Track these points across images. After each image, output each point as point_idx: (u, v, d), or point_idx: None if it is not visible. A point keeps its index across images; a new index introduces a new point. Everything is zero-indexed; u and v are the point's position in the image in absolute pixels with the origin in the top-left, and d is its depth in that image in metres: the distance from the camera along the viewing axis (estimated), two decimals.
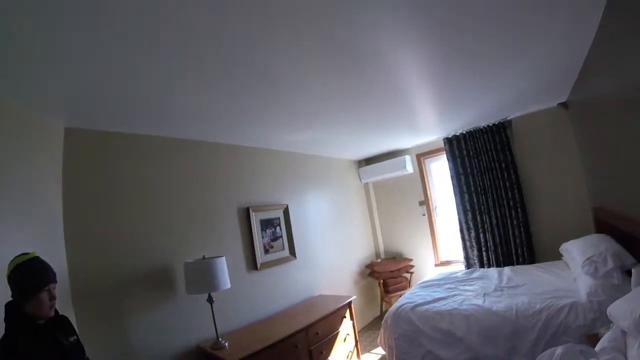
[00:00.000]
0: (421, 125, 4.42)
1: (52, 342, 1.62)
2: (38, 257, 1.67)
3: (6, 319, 1.57)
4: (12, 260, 1.60)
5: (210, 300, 2.98)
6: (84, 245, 2.66)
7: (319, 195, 5.12)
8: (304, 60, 2.26)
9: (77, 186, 2.70)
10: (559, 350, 1.84)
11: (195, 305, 3.14)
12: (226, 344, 2.98)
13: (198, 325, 3.16)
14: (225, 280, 3.02)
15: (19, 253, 1.64)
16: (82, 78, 2.08)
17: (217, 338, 3.00)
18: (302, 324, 3.36)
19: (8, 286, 1.58)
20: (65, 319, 1.81)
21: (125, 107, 2.60)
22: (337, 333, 3.75)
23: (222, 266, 3.04)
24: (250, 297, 3.73)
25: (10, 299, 1.60)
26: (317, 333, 3.48)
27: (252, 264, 3.88)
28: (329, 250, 5.00)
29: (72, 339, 1.74)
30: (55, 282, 1.67)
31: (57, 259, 2.42)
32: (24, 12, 1.44)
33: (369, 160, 6.12)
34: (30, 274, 1.59)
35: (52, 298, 1.64)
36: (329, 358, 3.57)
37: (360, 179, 6.12)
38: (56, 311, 1.73)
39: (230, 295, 3.31)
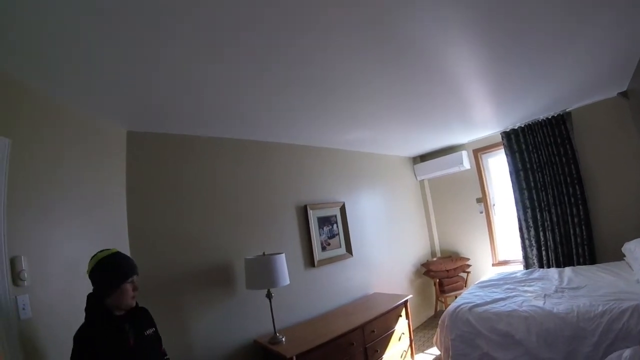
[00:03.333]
0: (477, 120, 4.32)
1: (122, 334, 1.74)
2: (120, 252, 1.82)
3: (87, 309, 1.72)
4: (94, 256, 1.75)
5: (269, 295, 3.08)
6: (147, 243, 2.81)
7: (374, 193, 5.13)
8: (361, 63, 2.32)
9: (140, 187, 2.86)
10: (626, 352, 1.78)
11: (254, 300, 3.27)
12: (283, 339, 3.06)
13: (256, 320, 3.29)
14: (284, 276, 3.11)
15: (100, 250, 1.79)
16: (145, 84, 2.23)
17: (275, 333, 3.09)
18: (358, 322, 3.40)
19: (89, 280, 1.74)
20: (144, 311, 1.97)
21: (187, 110, 2.74)
22: (393, 332, 3.76)
23: (282, 263, 3.13)
24: (307, 294, 3.83)
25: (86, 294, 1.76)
26: (373, 331, 3.50)
27: (310, 261, 3.98)
28: (385, 248, 5.01)
29: (150, 330, 1.90)
30: (137, 274, 1.83)
31: None
32: (91, 28, 1.59)
33: (424, 157, 6.04)
34: (115, 267, 1.74)
35: (135, 289, 1.80)
36: (384, 356, 3.58)
37: (415, 176, 6.06)
38: (136, 303, 1.87)
39: (288, 292, 3.42)
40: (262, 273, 3.05)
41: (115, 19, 1.56)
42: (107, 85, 2.18)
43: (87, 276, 1.74)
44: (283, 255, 3.18)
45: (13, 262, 1.79)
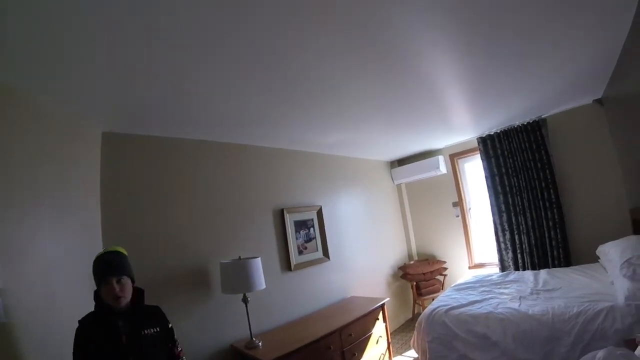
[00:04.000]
0: (454, 125, 4.37)
1: (114, 331, 1.73)
2: (111, 253, 1.84)
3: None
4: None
5: (245, 300, 3.05)
6: (122, 246, 2.65)
7: (351, 197, 5.14)
8: (341, 66, 2.33)
9: (116, 189, 2.82)
10: (600, 353, 1.80)
11: (230, 305, 3.23)
12: (260, 343, 3.04)
13: (232, 325, 3.25)
14: (260, 280, 3.09)
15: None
16: (125, 84, 2.20)
17: (251, 338, 3.07)
18: (335, 326, 3.39)
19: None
20: (153, 309, 1.99)
21: (166, 112, 2.71)
22: (370, 335, 3.75)
23: (258, 267, 3.11)
24: (285, 298, 3.80)
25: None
26: (351, 334, 3.49)
27: (287, 265, 3.95)
28: (362, 251, 5.02)
29: (151, 330, 1.87)
30: (116, 276, 1.76)
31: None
32: (67, 27, 1.56)
33: (401, 161, 6.09)
34: (95, 267, 1.78)
35: (112, 290, 1.74)
36: (361, 359, 3.57)
37: (392, 180, 6.10)
38: (140, 303, 1.91)
39: (264, 296, 3.40)
40: (237, 277, 3.02)
41: (96, 17, 1.53)
42: (84, 86, 2.14)
43: None
44: (259, 259, 3.15)
45: None
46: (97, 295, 1.78)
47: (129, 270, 1.85)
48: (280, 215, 4.02)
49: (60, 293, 2.03)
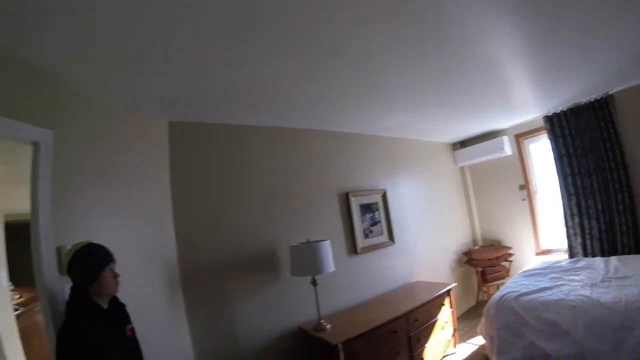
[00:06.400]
0: (518, 104, 4.22)
1: (114, 327, 1.72)
2: (93, 242, 1.77)
3: (70, 302, 1.65)
4: (67, 252, 1.72)
5: (314, 282, 3.14)
6: (192, 232, 2.92)
7: (414, 180, 5.11)
8: (400, 44, 2.31)
9: (184, 177, 2.97)
10: None
11: (298, 287, 3.34)
12: (328, 326, 3.11)
13: (299, 307, 3.36)
14: (329, 263, 3.15)
15: (75, 243, 1.74)
16: (187, 75, 2.31)
17: (319, 320, 3.14)
18: (402, 310, 3.42)
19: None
20: (124, 307, 1.87)
21: (227, 98, 2.81)
22: (436, 321, 3.75)
23: (327, 250, 3.16)
24: (350, 281, 3.88)
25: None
26: (417, 320, 3.50)
27: (353, 249, 4.02)
28: (426, 236, 4.99)
29: (129, 326, 1.84)
30: (114, 261, 1.79)
31: (168, 246, 2.80)
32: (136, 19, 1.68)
33: (464, 143, 5.94)
34: (91, 256, 1.70)
35: (116, 275, 1.76)
36: (427, 345, 3.58)
37: (455, 163, 5.97)
38: (117, 298, 1.82)
39: (331, 279, 3.45)
40: (306, 260, 3.09)
41: (153, 10, 1.63)
42: (146, 78, 2.30)
43: (65, 272, 1.72)
44: (328, 242, 3.22)
45: (59, 252, 1.88)
46: (78, 292, 1.67)
47: None
48: (345, 199, 4.07)
49: (128, 280, 2.05)
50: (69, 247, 1.77)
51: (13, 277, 3.62)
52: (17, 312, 3.67)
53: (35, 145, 1.96)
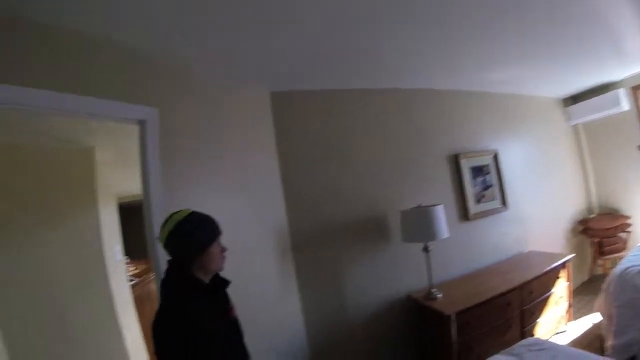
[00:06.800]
0: (633, 50, 3.50)
1: (219, 307, 1.51)
2: (196, 211, 1.50)
3: (171, 282, 1.43)
4: (167, 221, 1.45)
5: (425, 249, 2.91)
6: (300, 199, 2.95)
7: (525, 140, 4.55)
8: None
9: (290, 146, 2.99)
10: None
11: (408, 254, 3.21)
12: (439, 295, 2.91)
13: (409, 275, 3.26)
14: (442, 229, 2.91)
15: (174, 212, 1.49)
16: (284, 42, 2.28)
17: (430, 289, 2.94)
18: (516, 281, 3.12)
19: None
20: (228, 284, 1.59)
21: (324, 64, 2.73)
22: (550, 295, 3.37)
23: (440, 215, 2.94)
24: (461, 249, 3.64)
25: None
26: (532, 292, 3.17)
27: (464, 214, 3.76)
28: (538, 202, 4.45)
29: (231, 306, 1.59)
30: (222, 232, 1.54)
31: (278, 215, 2.88)
32: None
33: (576, 98, 5.09)
34: (198, 227, 1.44)
35: (223, 249, 1.53)
36: (539, 320, 3.23)
37: (567, 120, 5.18)
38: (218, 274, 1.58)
39: (442, 246, 3.19)
40: (419, 226, 2.89)
41: None
42: (246, 50, 2.32)
43: (161, 245, 1.45)
44: (441, 206, 2.98)
45: None
46: (179, 267, 1.42)
47: None
48: (454, 161, 3.79)
49: (238, 249, 2.12)
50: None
51: (129, 253, 4.06)
52: (132, 282, 4.10)
53: (142, 124, 2.10)
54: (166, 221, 1.44)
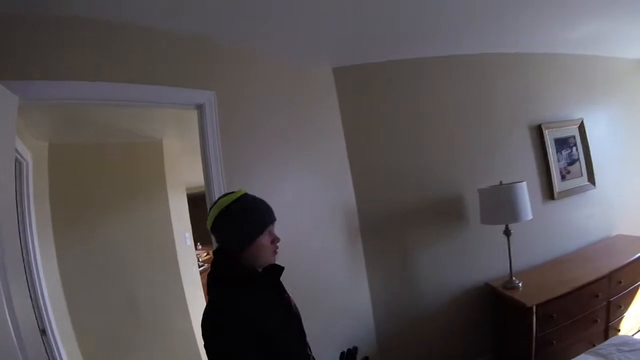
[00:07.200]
0: None
1: (283, 296, 1.34)
2: (249, 194, 1.35)
3: (222, 270, 1.26)
4: (216, 203, 1.31)
5: (507, 232, 2.73)
6: (368, 179, 2.85)
7: (608, 107, 4.08)
8: None
9: (356, 124, 2.88)
10: None
11: (485, 238, 3.01)
12: (520, 284, 2.73)
13: (487, 260, 3.05)
14: (526, 209, 2.67)
15: (224, 194, 1.35)
16: (350, 16, 2.21)
17: (511, 277, 2.77)
18: (604, 270, 2.83)
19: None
20: (282, 270, 1.38)
21: (393, 34, 2.60)
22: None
23: (523, 193, 2.69)
24: (545, 232, 3.35)
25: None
26: (620, 282, 2.89)
27: (549, 193, 3.42)
28: (626, 178, 4.02)
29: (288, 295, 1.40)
30: (275, 219, 1.35)
31: (346, 196, 2.81)
32: None
33: None
34: (246, 213, 1.27)
35: (275, 239, 1.33)
36: (626, 314, 2.96)
37: None
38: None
39: (523, 229, 2.95)
40: (500, 205, 2.67)
41: None
42: (306, 27, 2.27)
43: (209, 229, 1.33)
44: (524, 184, 2.71)
45: None
46: (227, 259, 1.26)
47: None
48: (538, 132, 3.44)
49: (301, 227, 2.27)
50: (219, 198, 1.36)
51: (201, 240, 4.46)
52: (202, 268, 4.36)
53: (200, 108, 2.10)
54: (214, 204, 1.31)
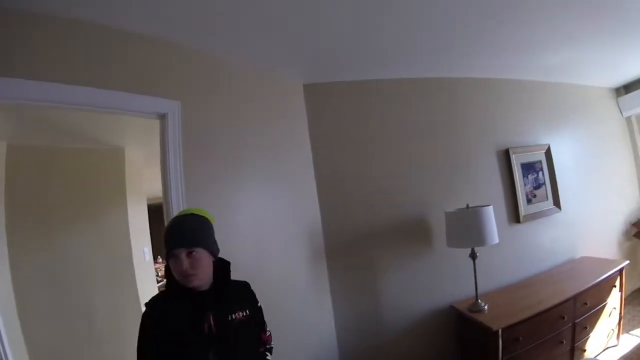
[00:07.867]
0: None
1: (195, 316, 1.31)
2: (186, 216, 1.39)
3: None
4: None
5: (473, 255, 2.72)
6: (334, 198, 2.84)
7: (575, 134, 4.21)
8: None
9: (323, 142, 2.87)
10: None
11: (451, 261, 3.01)
12: (485, 307, 2.70)
13: (452, 283, 3.04)
14: (492, 233, 2.68)
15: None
16: (315, 31, 2.20)
17: (477, 300, 2.75)
18: (570, 292, 2.87)
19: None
20: (243, 286, 1.52)
21: (356, 53, 2.60)
22: (604, 305, 3.11)
23: (490, 217, 2.69)
24: (511, 255, 3.38)
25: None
26: (586, 303, 2.93)
27: (515, 216, 3.48)
28: (589, 202, 4.13)
29: (239, 314, 1.41)
30: (186, 247, 1.30)
31: (311, 214, 2.78)
32: None
33: (627, 88, 4.68)
34: (164, 235, 1.34)
35: (179, 266, 1.29)
36: (591, 334, 2.99)
37: (619, 112, 4.77)
38: (227, 281, 1.45)
39: (489, 252, 2.96)
40: (467, 229, 2.67)
41: None
42: (278, 41, 2.27)
43: None
44: (491, 207, 2.72)
45: None
46: (169, 271, 1.35)
47: (206, 241, 1.37)
48: (505, 157, 3.52)
49: (267, 246, 2.25)
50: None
51: (161, 253, 4.17)
52: (160, 283, 4.20)
53: (163, 117, 2.00)
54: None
